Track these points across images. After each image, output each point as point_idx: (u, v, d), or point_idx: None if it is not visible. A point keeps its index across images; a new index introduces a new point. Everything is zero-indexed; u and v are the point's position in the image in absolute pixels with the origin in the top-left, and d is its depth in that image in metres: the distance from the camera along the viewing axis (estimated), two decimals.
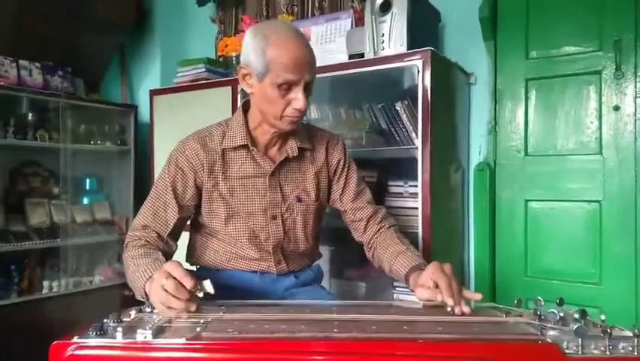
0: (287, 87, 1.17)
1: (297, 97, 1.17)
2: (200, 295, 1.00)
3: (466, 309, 1.00)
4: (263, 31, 1.18)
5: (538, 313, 0.94)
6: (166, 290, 0.95)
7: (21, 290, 2.43)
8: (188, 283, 0.96)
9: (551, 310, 0.92)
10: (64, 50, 2.73)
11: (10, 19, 2.50)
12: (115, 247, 2.81)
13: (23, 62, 2.54)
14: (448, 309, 1.00)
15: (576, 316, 0.90)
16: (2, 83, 2.41)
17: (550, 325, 0.90)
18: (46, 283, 2.52)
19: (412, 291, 1.15)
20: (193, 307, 0.97)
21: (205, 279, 1.00)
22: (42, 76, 2.60)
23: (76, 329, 0.87)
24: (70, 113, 2.65)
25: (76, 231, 2.69)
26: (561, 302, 0.96)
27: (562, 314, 0.90)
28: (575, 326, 0.82)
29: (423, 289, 1.07)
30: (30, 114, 2.53)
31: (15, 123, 2.45)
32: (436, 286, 1.04)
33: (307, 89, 1.19)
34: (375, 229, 1.37)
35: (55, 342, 0.83)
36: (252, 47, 1.18)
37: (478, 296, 1.07)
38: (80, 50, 2.82)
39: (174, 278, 0.96)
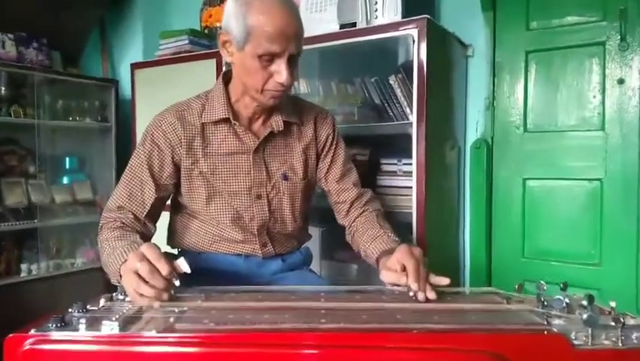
0: (269, 58, 1.07)
1: (280, 70, 1.08)
2: (177, 283, 0.92)
3: (431, 295, 0.93)
4: None
5: (542, 299, 0.87)
6: (139, 275, 0.88)
7: None
8: (164, 268, 0.89)
9: (557, 296, 0.85)
10: (41, 22, 2.61)
11: None
12: (97, 228, 2.71)
13: None
14: (411, 294, 0.93)
15: (583, 302, 0.83)
16: None
17: (555, 312, 0.83)
18: (24, 266, 2.44)
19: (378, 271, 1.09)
20: (165, 296, 0.89)
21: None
22: (15, 48, 2.49)
23: (36, 319, 0.79)
24: (47, 88, 2.55)
25: (56, 211, 2.61)
26: (565, 287, 0.89)
27: (567, 301, 0.83)
28: (585, 315, 0.75)
29: (389, 272, 1.01)
30: (3, 89, 2.42)
31: None
32: (404, 269, 0.98)
33: (292, 62, 1.10)
34: (357, 213, 1.31)
35: (11, 335, 0.76)
36: (233, 12, 1.07)
37: (445, 281, 0.99)
38: (58, 22, 2.69)
39: (149, 262, 0.89)
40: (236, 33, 1.07)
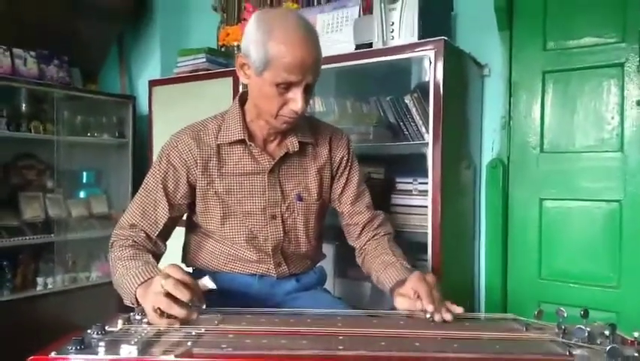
0: (286, 87, 1.08)
1: (296, 98, 1.08)
2: (204, 306, 0.93)
3: (447, 316, 0.94)
4: (268, 21, 1.07)
5: (562, 327, 0.86)
6: (168, 295, 0.88)
7: (14, 287, 2.37)
8: (193, 287, 0.90)
9: (578, 325, 0.83)
10: (61, 38, 2.65)
11: (4, 6, 2.41)
12: None
13: (17, 51, 2.47)
14: (427, 316, 0.94)
15: (605, 331, 0.81)
16: None
17: (577, 342, 0.81)
18: (40, 280, 2.46)
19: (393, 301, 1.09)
20: (195, 316, 0.89)
21: (201, 277, 0.94)
22: (37, 65, 2.53)
23: (56, 338, 0.80)
24: (67, 104, 2.59)
25: (72, 225, 2.64)
26: (586, 314, 0.87)
27: (589, 329, 0.82)
28: (609, 346, 0.73)
29: (403, 298, 1.02)
30: (24, 105, 2.47)
31: (8, 114, 2.38)
32: (418, 296, 0.98)
33: (308, 90, 1.11)
34: (369, 236, 1.31)
35: (32, 357, 0.76)
36: (254, 38, 1.08)
37: (459, 310, 0.98)
38: (77, 39, 2.74)
39: (178, 281, 0.89)
40: (256, 59, 1.08)
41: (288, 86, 1.07)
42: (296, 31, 1.06)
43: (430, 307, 0.93)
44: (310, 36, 1.08)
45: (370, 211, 1.33)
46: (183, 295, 0.88)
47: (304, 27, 1.08)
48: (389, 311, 1.05)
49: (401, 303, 1.02)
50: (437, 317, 0.93)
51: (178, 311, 0.88)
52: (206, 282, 0.93)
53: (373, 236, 1.30)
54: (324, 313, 1.06)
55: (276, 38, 1.05)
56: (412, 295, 1.00)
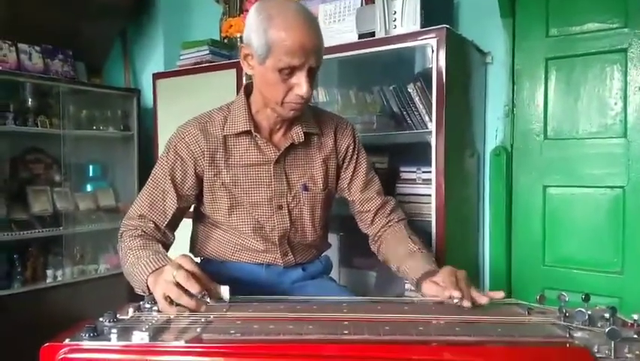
0: (289, 72, 1.09)
1: (300, 83, 1.09)
2: (208, 300, 0.94)
3: (483, 299, 0.98)
4: (268, 9, 1.09)
5: (564, 311, 0.87)
6: (178, 285, 0.90)
7: (25, 280, 2.40)
8: (202, 277, 0.92)
9: (579, 308, 0.85)
10: (65, 33, 2.66)
11: (9, 2, 2.42)
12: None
13: (23, 46, 2.48)
14: (455, 301, 0.96)
15: (606, 315, 0.83)
16: (1, 68, 2.35)
17: (577, 325, 0.83)
18: (50, 272, 2.49)
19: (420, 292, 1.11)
20: (203, 308, 0.91)
21: (220, 279, 0.96)
22: (42, 60, 2.55)
23: (68, 327, 0.82)
24: (72, 98, 2.59)
25: (80, 218, 2.66)
26: (587, 298, 0.89)
27: (589, 312, 0.83)
28: (608, 328, 0.75)
29: (432, 284, 1.05)
30: (30, 100, 2.48)
31: (15, 109, 2.39)
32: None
33: (311, 75, 1.11)
34: (383, 222, 1.31)
35: (46, 344, 0.78)
36: (255, 27, 1.09)
37: (499, 295, 1.01)
38: (81, 33, 2.75)
39: (187, 271, 0.91)
40: (257, 47, 1.09)
41: (291, 71, 1.08)
42: (295, 17, 1.07)
43: (457, 293, 0.96)
44: (310, 21, 1.10)
45: (381, 197, 1.34)
46: (194, 288, 0.89)
47: (303, 13, 1.10)
48: (393, 298, 1.07)
49: (429, 289, 1.05)
50: (466, 303, 0.96)
51: (187, 301, 0.89)
52: (224, 291, 0.94)
53: (387, 223, 1.31)
54: (330, 300, 1.08)
55: (275, 25, 1.06)
56: (441, 284, 1.03)
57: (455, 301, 0.96)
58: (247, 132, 1.21)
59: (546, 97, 1.95)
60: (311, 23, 1.10)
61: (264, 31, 1.07)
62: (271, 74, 1.10)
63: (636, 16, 1.76)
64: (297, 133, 1.23)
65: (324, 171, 1.29)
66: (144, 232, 1.17)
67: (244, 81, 2.16)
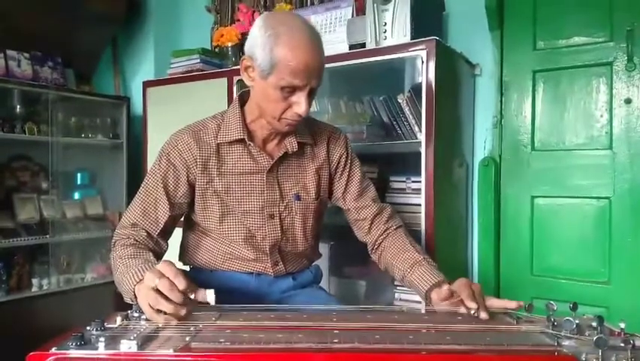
0: (290, 90, 1.09)
1: (300, 102, 1.10)
2: (192, 296, 0.92)
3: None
4: (275, 27, 1.08)
5: (552, 319, 0.88)
6: (157, 291, 0.88)
7: (10, 288, 2.37)
8: (181, 283, 0.89)
9: (567, 317, 0.86)
10: (55, 40, 2.65)
11: None
12: (107, 244, 2.66)
13: (11, 52, 2.47)
14: (472, 312, 0.97)
15: (593, 323, 0.84)
16: None
17: (566, 333, 0.83)
18: (35, 281, 2.46)
19: (429, 303, 1.12)
20: (183, 312, 0.90)
21: (209, 288, 0.94)
22: (31, 67, 2.53)
23: (55, 336, 0.81)
24: (61, 106, 2.58)
25: (67, 227, 2.63)
26: (575, 307, 0.91)
27: (577, 321, 0.84)
28: (595, 337, 0.76)
29: (444, 295, 1.05)
30: (18, 106, 2.46)
31: (3, 116, 2.38)
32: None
33: (311, 94, 1.12)
34: (381, 230, 1.31)
35: (32, 353, 0.77)
36: (260, 42, 1.09)
37: (512, 305, 1.01)
38: (71, 40, 2.74)
39: (167, 278, 0.89)
40: (261, 62, 1.09)
41: (292, 90, 1.09)
42: (302, 36, 1.07)
43: (473, 305, 0.96)
44: (316, 41, 1.10)
45: (377, 204, 1.34)
46: (177, 298, 0.88)
47: (310, 32, 1.10)
48: (384, 307, 1.07)
49: (441, 299, 1.05)
50: (483, 315, 0.96)
51: (166, 306, 0.88)
52: (210, 295, 0.93)
53: (385, 230, 1.30)
54: (320, 309, 1.07)
55: (282, 44, 1.06)
56: (454, 294, 1.03)
57: (472, 312, 0.97)
58: (241, 141, 1.21)
59: (534, 109, 1.98)
60: (316, 43, 1.10)
61: (270, 49, 1.07)
62: (272, 90, 1.10)
63: (621, 30, 1.80)
64: (291, 143, 1.24)
65: (317, 180, 1.29)
66: (136, 240, 1.16)
67: (235, 90, 2.17)
